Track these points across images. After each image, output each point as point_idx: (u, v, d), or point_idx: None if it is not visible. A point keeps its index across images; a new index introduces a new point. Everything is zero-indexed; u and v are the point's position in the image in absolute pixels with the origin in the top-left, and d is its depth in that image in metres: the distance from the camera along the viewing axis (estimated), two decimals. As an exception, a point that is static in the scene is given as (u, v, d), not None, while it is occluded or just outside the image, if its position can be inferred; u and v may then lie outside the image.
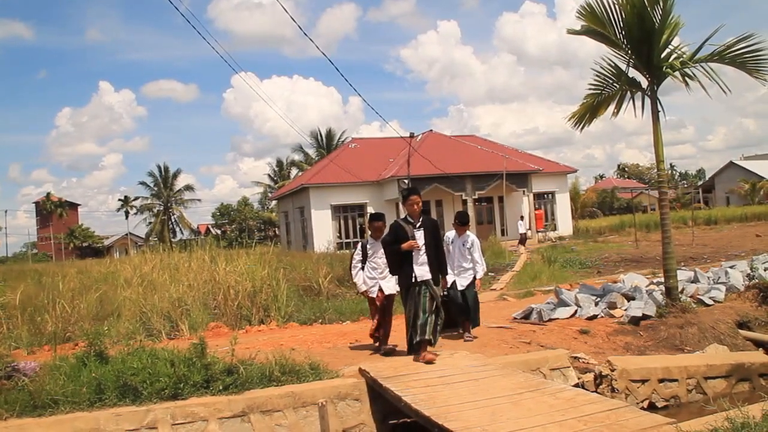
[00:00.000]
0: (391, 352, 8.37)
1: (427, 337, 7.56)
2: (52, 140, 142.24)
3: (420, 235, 7.77)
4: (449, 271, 8.63)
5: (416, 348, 7.67)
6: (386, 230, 8.61)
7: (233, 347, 7.11)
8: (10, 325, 11.28)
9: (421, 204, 7.94)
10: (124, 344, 8.37)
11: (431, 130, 42.38)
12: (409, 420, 6.70)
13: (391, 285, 8.54)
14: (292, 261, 19.24)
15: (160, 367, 6.81)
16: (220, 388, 6.72)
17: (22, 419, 6.24)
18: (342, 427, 6.80)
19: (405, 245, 7.65)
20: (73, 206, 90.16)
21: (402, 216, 8.46)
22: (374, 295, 8.61)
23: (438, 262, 7.88)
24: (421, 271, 7.70)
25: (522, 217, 36.71)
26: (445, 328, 8.95)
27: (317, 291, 15.10)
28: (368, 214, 8.73)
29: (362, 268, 8.75)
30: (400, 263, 7.80)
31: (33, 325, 11.60)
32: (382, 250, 8.36)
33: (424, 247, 7.74)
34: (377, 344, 8.76)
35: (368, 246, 8.78)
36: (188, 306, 12.13)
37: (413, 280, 7.69)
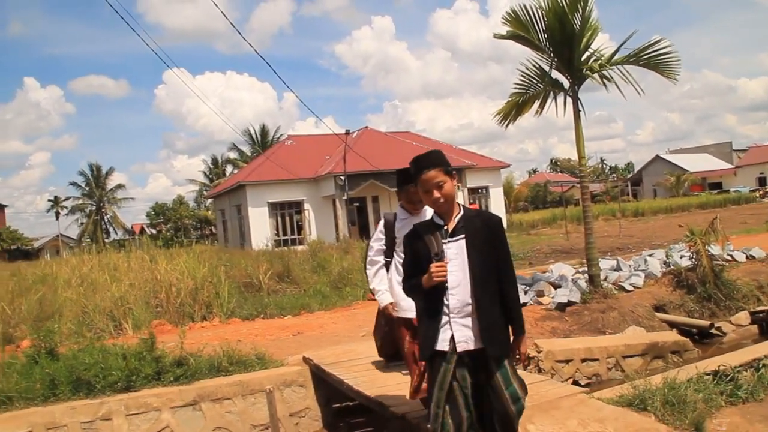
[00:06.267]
0: None
1: None
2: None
3: (457, 251, 3.62)
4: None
5: None
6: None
7: (182, 340, 7.45)
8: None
9: (449, 186, 3.64)
10: (74, 341, 8.61)
11: (367, 127, 42.69)
12: (351, 403, 7.19)
13: None
14: (232, 258, 19.47)
15: (111, 361, 7.09)
16: (171, 379, 7.05)
17: (-23, 416, 6.47)
18: (289, 411, 7.23)
19: (424, 279, 3.57)
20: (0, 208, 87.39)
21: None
22: (412, 316, 4.44)
23: (509, 308, 3.69)
24: (462, 330, 3.57)
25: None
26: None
27: (258, 287, 15.37)
28: (398, 172, 4.78)
29: (386, 265, 5.19)
30: (423, 311, 3.76)
31: (-30, 329, 11.59)
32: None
33: (468, 277, 3.58)
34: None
35: (398, 224, 5.07)
36: (131, 305, 12.27)
37: (445, 348, 3.59)
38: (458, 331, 3.55)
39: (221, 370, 7.39)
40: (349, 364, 7.06)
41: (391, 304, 5.06)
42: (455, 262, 3.58)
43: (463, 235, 3.62)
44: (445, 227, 3.66)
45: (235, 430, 6.96)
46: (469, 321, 3.56)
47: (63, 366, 7.06)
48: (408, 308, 4.70)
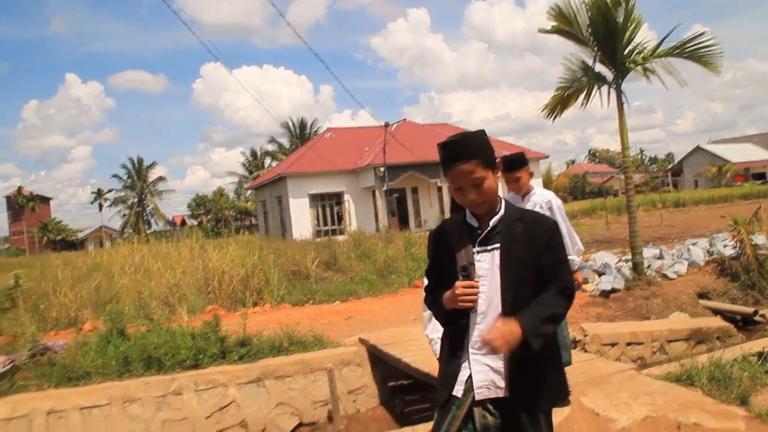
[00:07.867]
0: None
1: None
2: (19, 133, 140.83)
3: (488, 266, 2.65)
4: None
5: None
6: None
7: (245, 321, 7.89)
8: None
9: (490, 183, 2.64)
10: (139, 323, 9.12)
11: (405, 119, 43.00)
12: (406, 382, 7.56)
13: None
14: (278, 247, 19.95)
15: (179, 341, 7.55)
16: (236, 358, 7.51)
17: (60, 389, 6.98)
18: (347, 389, 7.62)
19: (446, 298, 2.66)
20: (45, 200, 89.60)
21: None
22: None
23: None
24: (484, 371, 2.63)
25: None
26: None
27: (306, 275, 15.76)
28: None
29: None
30: (443, 340, 2.85)
31: (36, 313, 12.19)
32: None
33: (498, 302, 2.61)
34: None
35: None
36: (184, 291, 12.80)
37: (459, 393, 2.66)
38: (478, 373, 2.62)
39: (282, 350, 7.82)
40: (404, 344, 7.42)
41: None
42: (485, 280, 2.64)
43: (498, 244, 2.65)
44: (479, 230, 2.70)
45: (297, 406, 7.37)
46: (494, 361, 2.62)
47: (134, 345, 7.55)
48: None
